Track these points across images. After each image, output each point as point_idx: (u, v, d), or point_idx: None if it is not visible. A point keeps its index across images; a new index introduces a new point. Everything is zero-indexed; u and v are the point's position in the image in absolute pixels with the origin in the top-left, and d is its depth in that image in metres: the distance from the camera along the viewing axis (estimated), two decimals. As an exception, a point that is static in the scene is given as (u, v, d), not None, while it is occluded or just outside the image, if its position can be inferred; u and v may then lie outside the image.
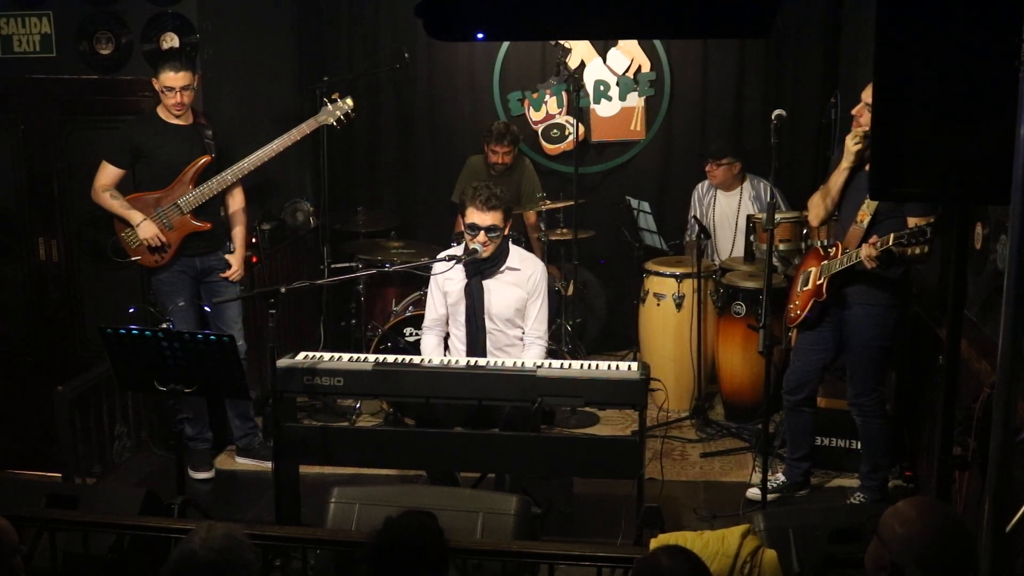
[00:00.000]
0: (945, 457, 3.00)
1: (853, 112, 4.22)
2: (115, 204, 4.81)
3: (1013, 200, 2.15)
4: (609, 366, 4.05)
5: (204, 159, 4.84)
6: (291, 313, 6.19)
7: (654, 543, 2.85)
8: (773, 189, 4.28)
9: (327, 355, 4.19)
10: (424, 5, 2.48)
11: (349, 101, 5.06)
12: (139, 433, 5.32)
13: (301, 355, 4.17)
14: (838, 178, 4.28)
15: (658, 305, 5.76)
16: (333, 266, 5.91)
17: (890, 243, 3.92)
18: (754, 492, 4.58)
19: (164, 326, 3.93)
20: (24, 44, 5.51)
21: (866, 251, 4.02)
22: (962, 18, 2.23)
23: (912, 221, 4.00)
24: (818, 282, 4.32)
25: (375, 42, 6.76)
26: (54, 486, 3.99)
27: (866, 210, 4.16)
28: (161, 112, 4.84)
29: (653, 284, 5.81)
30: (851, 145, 4.20)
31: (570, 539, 4.08)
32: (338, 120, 5.06)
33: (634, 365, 4.04)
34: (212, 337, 3.80)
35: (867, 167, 4.19)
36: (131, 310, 5.04)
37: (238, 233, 5.06)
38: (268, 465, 5.04)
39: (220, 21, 5.55)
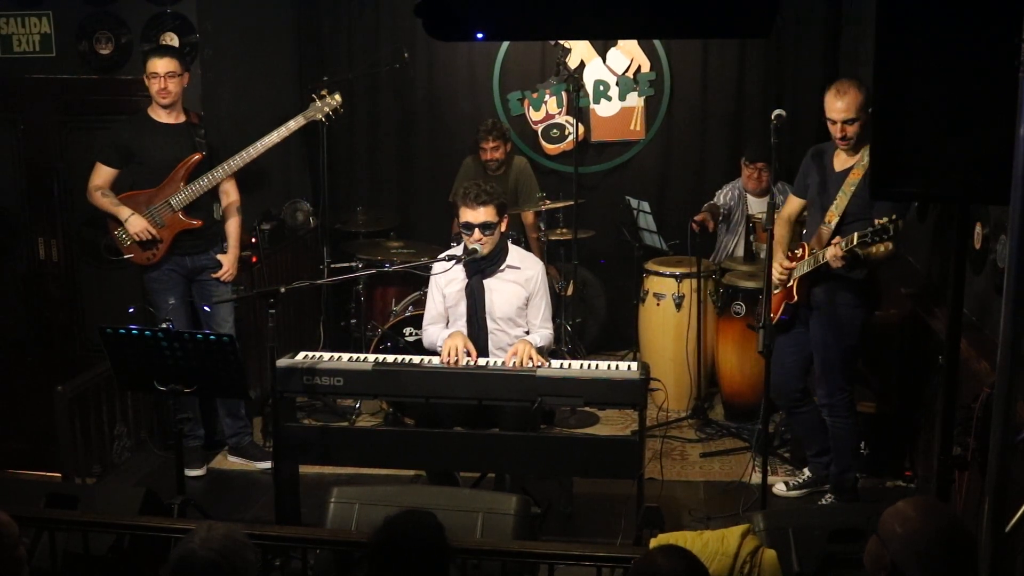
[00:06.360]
0: (945, 457, 2.99)
1: (834, 134, 4.12)
2: (105, 202, 4.81)
3: (1013, 200, 2.15)
4: (609, 366, 4.05)
5: (195, 157, 4.82)
6: (291, 313, 6.19)
7: (654, 543, 2.84)
8: (774, 188, 4.28)
9: (327, 355, 4.19)
10: (424, 5, 2.48)
11: (337, 97, 5.02)
12: (139, 433, 5.32)
13: (301, 355, 4.17)
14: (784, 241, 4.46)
15: (658, 305, 5.76)
16: (333, 266, 5.90)
17: (854, 242, 3.92)
18: (780, 488, 4.64)
19: (164, 326, 3.93)
20: (24, 44, 5.51)
21: (831, 251, 4.03)
22: (962, 18, 2.23)
23: (879, 222, 4.01)
24: (788, 285, 4.34)
25: (375, 42, 6.76)
26: (54, 486, 3.98)
27: (834, 211, 4.16)
28: (152, 112, 4.83)
29: (653, 284, 5.81)
30: (776, 274, 4.32)
31: (570, 539, 4.09)
32: (326, 116, 5.00)
33: (634, 365, 4.04)
34: (212, 337, 3.80)
35: (837, 168, 4.21)
36: (131, 310, 5.05)
37: (232, 229, 5.04)
38: (257, 465, 5.07)
39: (220, 21, 5.55)
